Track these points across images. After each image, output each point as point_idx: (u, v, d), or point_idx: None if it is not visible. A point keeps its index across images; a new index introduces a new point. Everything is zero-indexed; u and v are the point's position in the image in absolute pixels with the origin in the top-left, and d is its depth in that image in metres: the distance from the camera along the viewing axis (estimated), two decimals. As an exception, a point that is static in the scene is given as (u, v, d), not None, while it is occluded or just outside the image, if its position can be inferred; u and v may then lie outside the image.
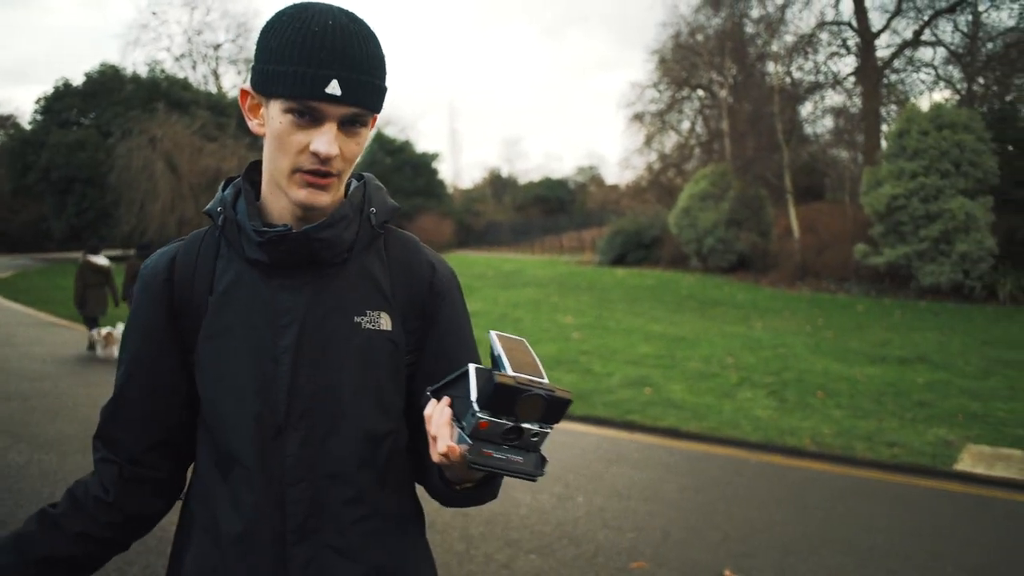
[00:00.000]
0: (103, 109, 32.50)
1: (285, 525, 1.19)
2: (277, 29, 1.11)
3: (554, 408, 1.00)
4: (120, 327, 10.29)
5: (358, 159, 1.21)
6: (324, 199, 1.16)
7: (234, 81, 41.45)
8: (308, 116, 1.11)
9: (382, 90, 1.16)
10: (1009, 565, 4.08)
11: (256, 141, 30.20)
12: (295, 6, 1.13)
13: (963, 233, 15.54)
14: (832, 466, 5.92)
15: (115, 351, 10.23)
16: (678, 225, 23.05)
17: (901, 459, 5.94)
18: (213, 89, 38.69)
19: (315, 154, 1.11)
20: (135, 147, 26.33)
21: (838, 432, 6.63)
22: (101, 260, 10.82)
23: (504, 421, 0.99)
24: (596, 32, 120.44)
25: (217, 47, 40.84)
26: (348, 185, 1.30)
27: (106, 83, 33.65)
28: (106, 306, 10.87)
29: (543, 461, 1.03)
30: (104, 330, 10.38)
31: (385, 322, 1.25)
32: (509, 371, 1.00)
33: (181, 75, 37.64)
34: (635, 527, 4.51)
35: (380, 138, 44.18)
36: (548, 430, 1.02)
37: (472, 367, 1.03)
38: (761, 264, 21.73)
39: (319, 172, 1.13)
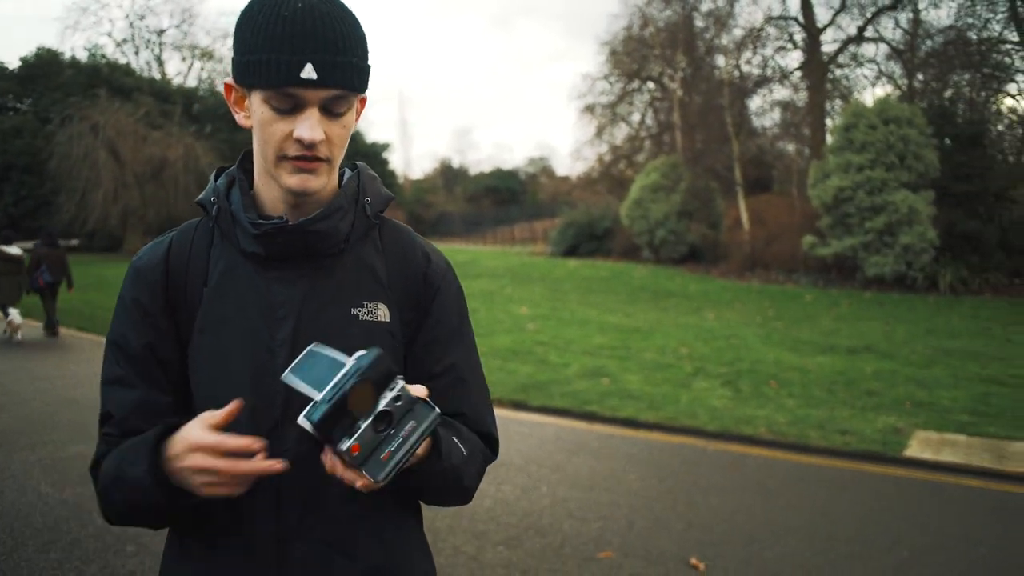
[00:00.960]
0: (40, 95, 31.44)
1: (282, 523, 1.17)
2: (249, 18, 1.09)
3: (373, 374, 0.98)
4: (15, 313, 10.58)
5: (347, 141, 1.19)
6: (315, 183, 1.14)
7: (179, 68, 40.55)
8: (288, 103, 1.09)
9: (363, 69, 1.13)
10: (962, 547, 4.21)
11: (202, 129, 29.62)
12: None
13: (906, 225, 15.97)
14: (788, 454, 6.05)
15: (18, 335, 10.64)
16: (630, 217, 23.24)
17: (853, 446, 6.09)
18: (157, 75, 37.70)
19: (299, 141, 1.09)
20: (76, 134, 25.49)
21: (792, 421, 6.77)
22: (13, 250, 10.93)
23: (362, 426, 0.98)
24: (545, 23, 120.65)
25: (161, 32, 39.77)
26: (342, 175, 1.28)
27: (43, 68, 32.53)
28: (19, 295, 10.98)
29: (431, 408, 1.02)
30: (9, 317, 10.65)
31: (383, 313, 1.23)
32: (316, 396, 0.98)
33: (123, 61, 36.60)
34: (600, 517, 4.55)
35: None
36: (399, 386, 1.00)
37: (300, 420, 0.99)
38: (712, 255, 22.05)
39: (306, 159, 1.11)
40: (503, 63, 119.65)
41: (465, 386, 1.31)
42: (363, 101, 1.21)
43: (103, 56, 35.62)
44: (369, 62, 1.15)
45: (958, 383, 8.22)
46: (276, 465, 1.00)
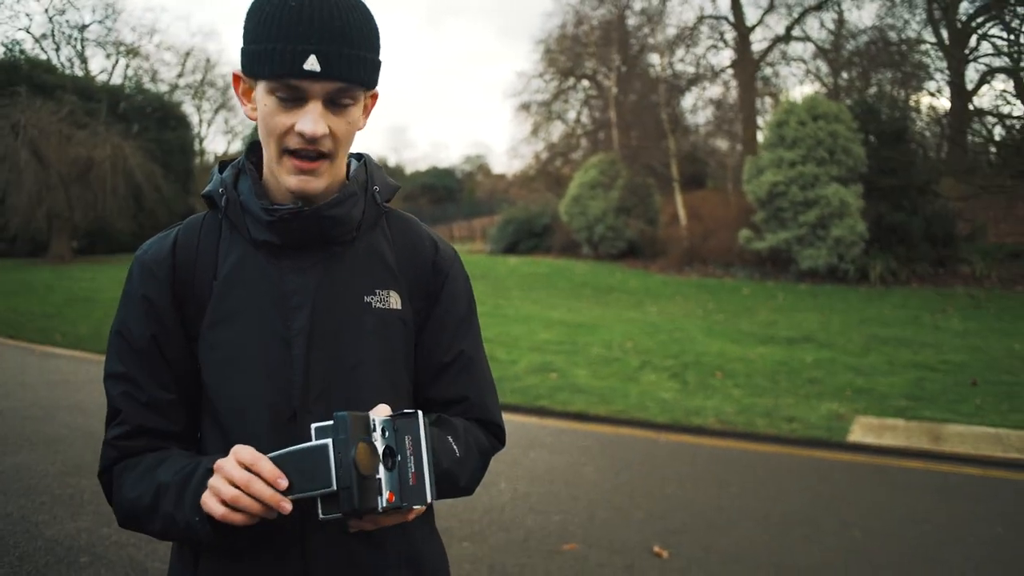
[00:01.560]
0: (-46, 93, 30.08)
1: (304, 517, 1.15)
2: (257, 7, 1.08)
3: (358, 432, 0.98)
4: None
5: (354, 138, 1.18)
6: (316, 185, 1.13)
7: (102, 64, 39.14)
8: (291, 95, 1.07)
9: (372, 63, 1.12)
10: (909, 526, 4.37)
11: (129, 128, 28.68)
12: None
13: (837, 219, 16.46)
14: (737, 442, 6.19)
15: None
16: (568, 213, 23.41)
17: (799, 433, 6.26)
18: (80, 73, 36.41)
19: (300, 134, 1.08)
20: (-6, 135, 24.48)
21: (739, 410, 6.92)
22: None
23: (382, 477, 0.99)
24: (474, 24, 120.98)
25: (83, 28, 38.36)
26: (348, 165, 1.27)
27: (-44, 65, 31.14)
28: None
29: (408, 414, 1.03)
30: None
31: (395, 300, 1.23)
32: (330, 488, 0.97)
33: (43, 57, 35.22)
34: (561, 510, 4.58)
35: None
36: (381, 424, 1.01)
37: (331, 517, 1.00)
38: (650, 251, 22.36)
39: (308, 154, 1.10)
40: (436, 62, 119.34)
41: (471, 373, 1.32)
42: (374, 97, 1.21)
43: (21, 52, 34.21)
44: (378, 55, 1.14)
45: (893, 370, 8.53)
46: (285, 504, 0.98)
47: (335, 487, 0.97)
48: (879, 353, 9.50)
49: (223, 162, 1.26)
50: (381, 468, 0.98)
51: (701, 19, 26.70)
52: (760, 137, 21.82)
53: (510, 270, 21.04)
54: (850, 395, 7.42)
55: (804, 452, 5.91)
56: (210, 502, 1.01)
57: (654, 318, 12.97)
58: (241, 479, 0.99)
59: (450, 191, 52.68)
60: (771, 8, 26.34)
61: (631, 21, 27.75)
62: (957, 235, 17.38)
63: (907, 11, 22.57)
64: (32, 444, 5.71)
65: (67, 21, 35.33)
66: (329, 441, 0.98)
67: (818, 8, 25.77)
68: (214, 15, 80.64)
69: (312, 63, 1.04)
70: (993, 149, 18.54)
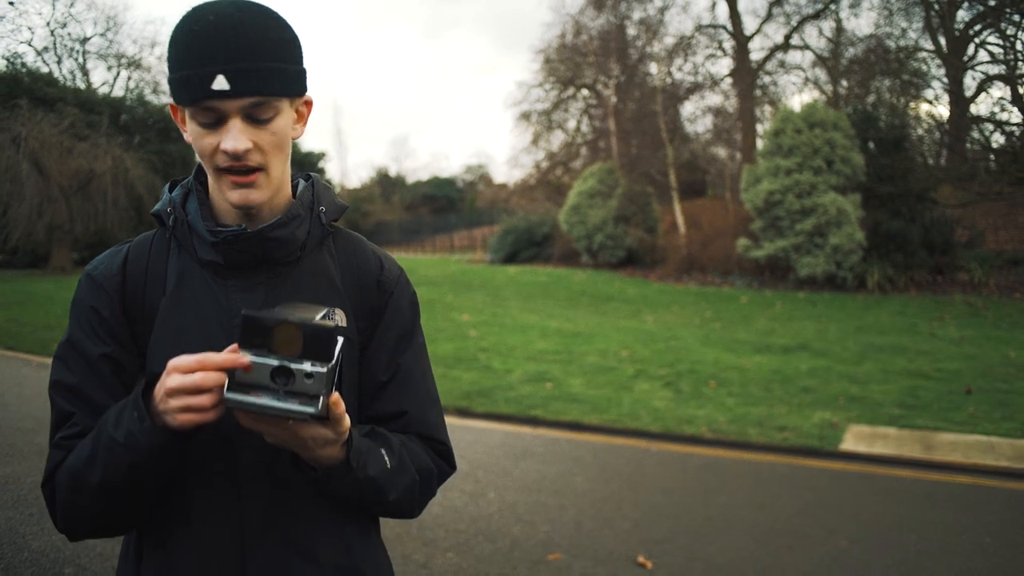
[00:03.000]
0: (-44, 106, 30.24)
1: (243, 526, 1.17)
2: (172, 37, 1.10)
3: (316, 340, 0.97)
4: None
5: (290, 148, 1.20)
6: (257, 196, 1.14)
7: (104, 77, 39.32)
8: (210, 117, 1.10)
9: (287, 72, 1.13)
10: (896, 536, 4.37)
11: (130, 140, 28.80)
12: (188, 10, 1.11)
13: (835, 227, 16.46)
14: (729, 452, 6.18)
15: None
16: (568, 222, 23.44)
17: (791, 442, 6.26)
18: (82, 85, 36.57)
19: (225, 152, 1.10)
20: (-4, 146, 24.59)
21: (732, 419, 6.92)
22: None
23: (267, 360, 0.98)
24: (472, 35, 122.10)
25: (84, 41, 38.55)
26: (296, 185, 1.29)
27: (-42, 78, 31.32)
28: None
29: (318, 400, 0.98)
30: None
31: (340, 318, 1.25)
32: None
33: (45, 70, 35.38)
34: (548, 520, 4.58)
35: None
36: (321, 369, 0.98)
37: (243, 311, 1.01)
38: (649, 259, 22.38)
39: (239, 170, 1.12)
40: (436, 72, 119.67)
41: (409, 387, 1.32)
42: (308, 103, 1.22)
43: (23, 65, 34.37)
44: (297, 64, 1.15)
45: (888, 378, 8.52)
46: (242, 359, 0.97)
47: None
48: (874, 361, 9.49)
49: (174, 181, 1.28)
50: (269, 367, 0.97)
51: (699, 28, 26.81)
52: (760, 145, 21.86)
53: (509, 279, 21.05)
54: (843, 403, 7.42)
55: (795, 461, 5.90)
56: (166, 401, 1.01)
57: (651, 327, 12.97)
58: (194, 359, 1.00)
59: (451, 201, 52.79)
60: (769, 17, 26.48)
61: (630, 31, 27.87)
62: (955, 242, 17.36)
63: (905, 19, 22.63)
64: (23, 455, 5.72)
65: (69, 34, 35.50)
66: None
67: (816, 17, 25.88)
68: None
69: (220, 83, 1.06)
70: (991, 156, 18.59)
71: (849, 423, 6.74)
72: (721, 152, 28.15)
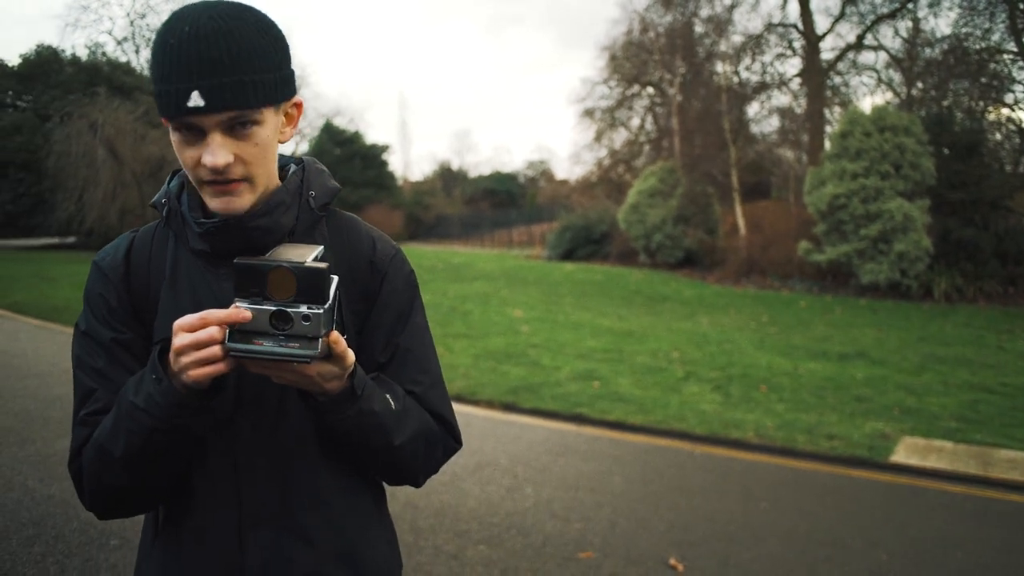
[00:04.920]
0: (40, 92, 31.45)
1: (242, 511, 1.19)
2: (151, 48, 1.10)
3: (310, 282, 1.00)
4: None
5: (276, 152, 1.20)
6: (239, 204, 1.15)
7: (179, 67, 40.25)
8: (190, 132, 1.09)
9: (263, 82, 1.09)
10: (940, 552, 4.23)
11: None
12: (167, 19, 1.10)
13: (901, 233, 15.98)
14: (774, 458, 6.07)
15: None
16: (627, 221, 23.26)
17: (839, 451, 6.11)
18: (157, 74, 37.64)
19: (206, 167, 1.10)
20: (74, 132, 25.49)
21: (780, 425, 6.79)
22: None
23: (264, 306, 1.01)
24: (534, 32, 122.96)
25: (162, 31, 39.69)
26: (287, 170, 1.29)
27: (43, 65, 32.55)
28: None
29: (318, 341, 1.02)
30: None
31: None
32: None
33: (124, 59, 36.61)
34: (582, 518, 4.57)
35: (329, 128, 43.61)
36: (318, 310, 1.01)
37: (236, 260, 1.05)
38: (708, 261, 22.06)
39: (221, 181, 1.12)
40: (498, 68, 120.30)
41: (408, 366, 1.31)
42: (298, 106, 1.21)
43: (103, 54, 35.63)
44: (279, 70, 1.13)
45: (948, 390, 8.25)
46: (244, 313, 1.01)
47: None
48: (934, 372, 9.20)
49: (174, 171, 1.31)
50: (267, 313, 1.01)
51: (769, 27, 26.25)
52: (827, 147, 21.34)
53: (564, 276, 21.00)
54: (898, 414, 7.21)
55: (842, 471, 5.76)
56: (177, 360, 1.05)
57: (705, 329, 12.80)
58: (196, 317, 1.03)
59: (512, 196, 52.80)
60: (842, 16, 25.75)
61: (697, 28, 27.46)
62: (1030, 253, 16.69)
63: (987, 19, 21.79)
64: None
65: (147, 25, 36.70)
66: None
67: (892, 16, 25.08)
68: (288, 16, 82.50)
69: (195, 99, 1.04)
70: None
71: (903, 435, 6.55)
72: (788, 154, 27.54)
